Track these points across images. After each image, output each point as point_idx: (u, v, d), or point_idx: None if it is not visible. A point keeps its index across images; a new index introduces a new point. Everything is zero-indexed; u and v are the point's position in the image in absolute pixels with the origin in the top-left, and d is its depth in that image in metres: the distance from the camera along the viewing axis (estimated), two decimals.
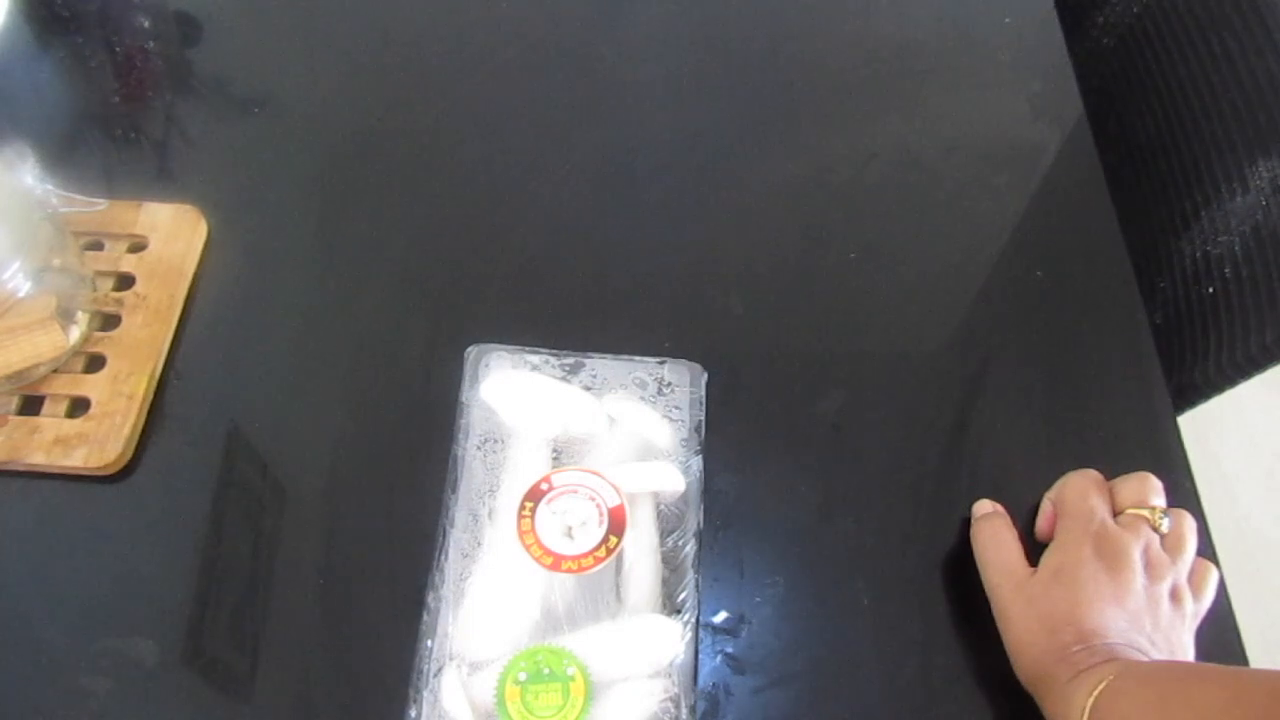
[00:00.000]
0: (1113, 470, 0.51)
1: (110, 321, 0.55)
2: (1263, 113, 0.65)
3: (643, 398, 0.52)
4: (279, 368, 0.56)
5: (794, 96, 0.69)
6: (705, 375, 0.54)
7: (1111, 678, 0.41)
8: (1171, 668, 0.43)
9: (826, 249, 0.62)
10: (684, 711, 0.44)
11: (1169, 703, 0.39)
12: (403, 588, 0.48)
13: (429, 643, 0.45)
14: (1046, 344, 0.59)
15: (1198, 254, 0.72)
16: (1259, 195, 0.66)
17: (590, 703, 0.42)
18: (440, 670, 0.44)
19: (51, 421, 0.51)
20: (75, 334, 0.53)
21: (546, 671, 0.43)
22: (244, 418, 0.54)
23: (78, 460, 0.50)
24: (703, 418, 0.52)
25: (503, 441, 0.50)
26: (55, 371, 0.53)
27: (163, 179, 0.63)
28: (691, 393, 0.53)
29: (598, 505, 0.46)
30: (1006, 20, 0.73)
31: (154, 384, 0.54)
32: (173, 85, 0.68)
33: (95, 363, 0.54)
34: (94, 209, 0.56)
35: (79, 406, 0.52)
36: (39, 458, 0.50)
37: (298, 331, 0.57)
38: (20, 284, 0.50)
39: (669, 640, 0.45)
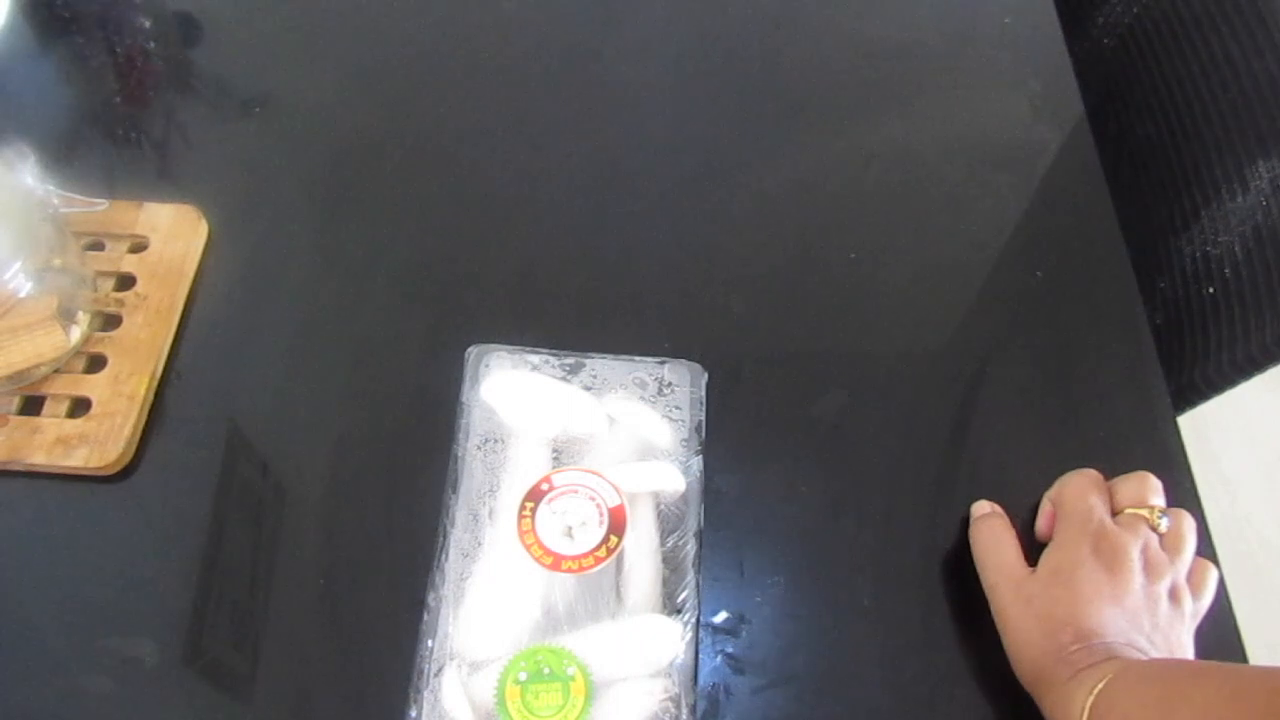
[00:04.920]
0: (1113, 470, 0.51)
1: (111, 322, 0.55)
2: (1263, 113, 0.65)
3: (643, 398, 0.52)
4: (279, 368, 0.56)
5: (794, 97, 0.69)
6: (705, 375, 0.54)
7: (1111, 676, 0.41)
8: (1171, 666, 0.43)
9: (826, 249, 0.62)
10: (684, 711, 0.44)
11: (1169, 700, 0.39)
12: (403, 588, 0.48)
13: (429, 642, 0.45)
14: (1046, 344, 0.59)
15: (1198, 254, 0.72)
16: (1259, 196, 0.66)
17: (590, 702, 0.42)
18: (440, 670, 0.44)
19: (52, 422, 0.52)
20: (76, 334, 0.53)
21: (547, 671, 0.43)
22: (244, 418, 0.54)
23: (78, 460, 0.50)
24: (703, 418, 0.52)
25: (503, 441, 0.50)
26: (56, 372, 0.53)
27: (163, 179, 0.63)
28: (692, 393, 0.53)
29: (598, 505, 0.46)
30: (1006, 20, 0.73)
31: (155, 384, 0.54)
32: (173, 86, 0.68)
33: (96, 363, 0.54)
34: (95, 209, 0.56)
35: (80, 407, 0.52)
36: (40, 458, 0.50)
37: (298, 332, 0.57)
38: (21, 284, 0.50)
39: (669, 640, 0.45)
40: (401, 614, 0.47)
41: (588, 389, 0.52)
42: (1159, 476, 0.50)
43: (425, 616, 0.46)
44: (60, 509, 0.51)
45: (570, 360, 0.53)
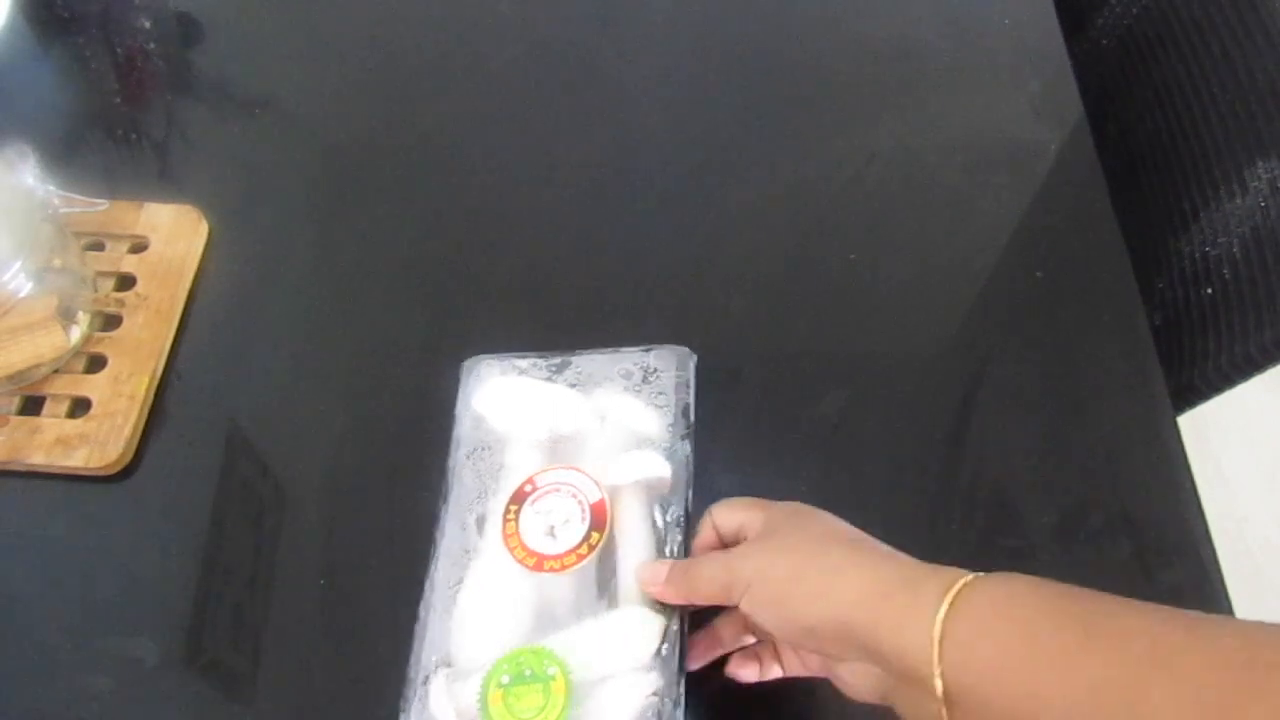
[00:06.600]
0: (1113, 470, 0.51)
1: (111, 322, 0.55)
2: (1262, 113, 0.65)
3: (627, 388, 0.51)
4: (279, 369, 0.56)
5: (794, 96, 0.69)
6: (694, 358, 0.52)
7: (968, 579, 0.33)
8: (1048, 585, 0.33)
9: (826, 249, 0.62)
10: (669, 705, 0.43)
11: (1093, 635, 0.30)
12: (401, 589, 0.48)
13: (419, 650, 0.45)
14: (1046, 344, 0.59)
15: (1197, 255, 0.71)
16: (1258, 197, 0.66)
17: (571, 701, 0.42)
18: (428, 678, 0.44)
19: (52, 422, 0.52)
20: (76, 334, 0.53)
21: (528, 673, 0.42)
22: (244, 418, 0.54)
23: (79, 460, 0.50)
24: (690, 400, 0.51)
25: (492, 449, 0.50)
26: (56, 372, 0.53)
27: (164, 180, 0.63)
28: (677, 376, 0.51)
29: (579, 502, 0.46)
30: (1006, 20, 0.73)
31: (155, 384, 0.54)
32: (173, 86, 0.68)
33: (96, 363, 0.54)
34: (95, 209, 0.56)
35: (80, 407, 0.52)
36: (40, 458, 0.50)
37: (298, 332, 0.57)
38: (21, 284, 0.50)
39: (654, 634, 0.44)
40: (399, 616, 0.47)
41: (573, 386, 0.51)
42: (1159, 476, 0.49)
43: (416, 624, 0.46)
44: (60, 509, 0.51)
45: (556, 360, 0.52)
